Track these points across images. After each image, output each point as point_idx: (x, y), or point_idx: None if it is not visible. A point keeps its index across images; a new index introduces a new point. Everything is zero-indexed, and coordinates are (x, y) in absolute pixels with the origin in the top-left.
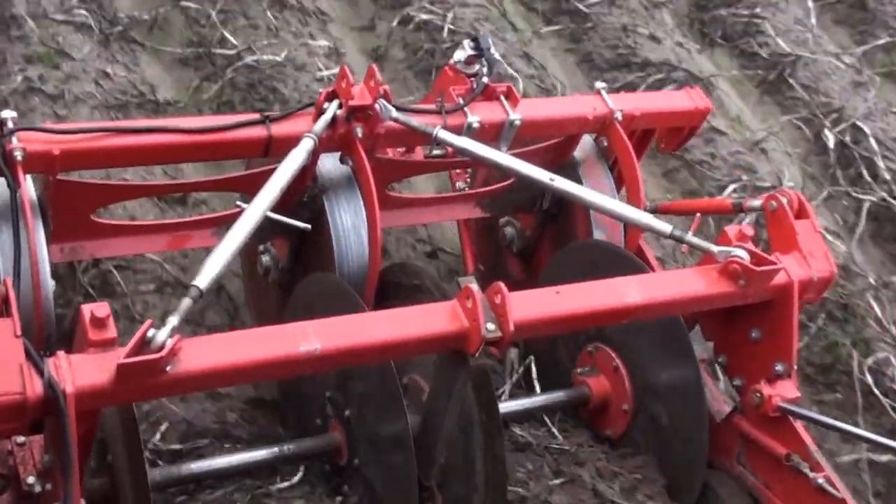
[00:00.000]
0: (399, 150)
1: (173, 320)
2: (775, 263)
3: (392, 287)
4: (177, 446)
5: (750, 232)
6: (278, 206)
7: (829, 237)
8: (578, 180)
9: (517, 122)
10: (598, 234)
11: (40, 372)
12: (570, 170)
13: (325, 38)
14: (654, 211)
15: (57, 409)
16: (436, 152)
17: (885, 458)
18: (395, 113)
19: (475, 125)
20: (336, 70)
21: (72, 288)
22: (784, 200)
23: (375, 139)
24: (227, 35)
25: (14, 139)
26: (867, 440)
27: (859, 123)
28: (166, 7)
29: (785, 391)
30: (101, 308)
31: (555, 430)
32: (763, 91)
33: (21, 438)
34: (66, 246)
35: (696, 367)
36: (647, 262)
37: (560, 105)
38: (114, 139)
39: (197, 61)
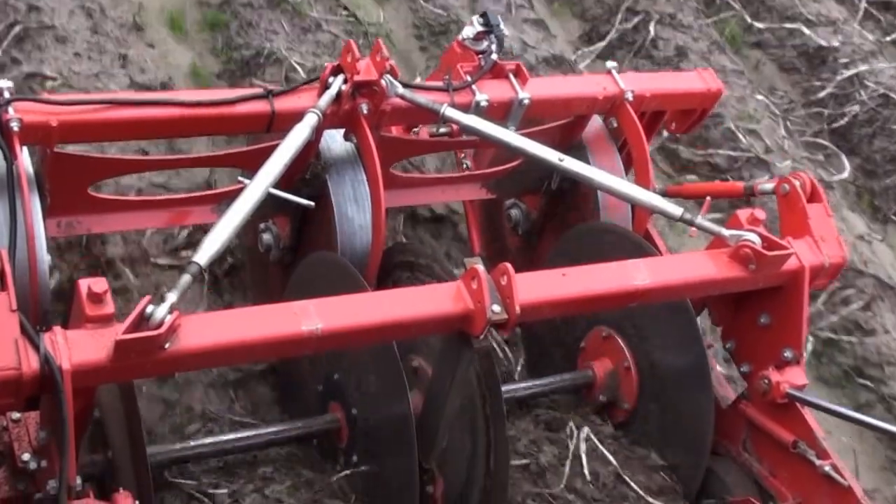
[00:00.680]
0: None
1: (172, 297)
2: (787, 248)
3: (395, 267)
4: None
5: (762, 215)
6: (281, 183)
7: None
8: (586, 162)
9: (526, 101)
10: (605, 217)
11: (36, 347)
12: (578, 151)
13: None
14: (664, 194)
15: (53, 385)
16: (442, 131)
17: None
18: (401, 89)
19: (483, 103)
20: None
21: None
22: (797, 184)
23: (381, 116)
24: None
25: (10, 109)
26: (876, 428)
27: None
28: None
29: (793, 378)
30: (99, 283)
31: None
32: None
33: (16, 415)
34: (62, 220)
35: (703, 352)
36: (655, 246)
37: (570, 84)
38: (113, 111)
39: None
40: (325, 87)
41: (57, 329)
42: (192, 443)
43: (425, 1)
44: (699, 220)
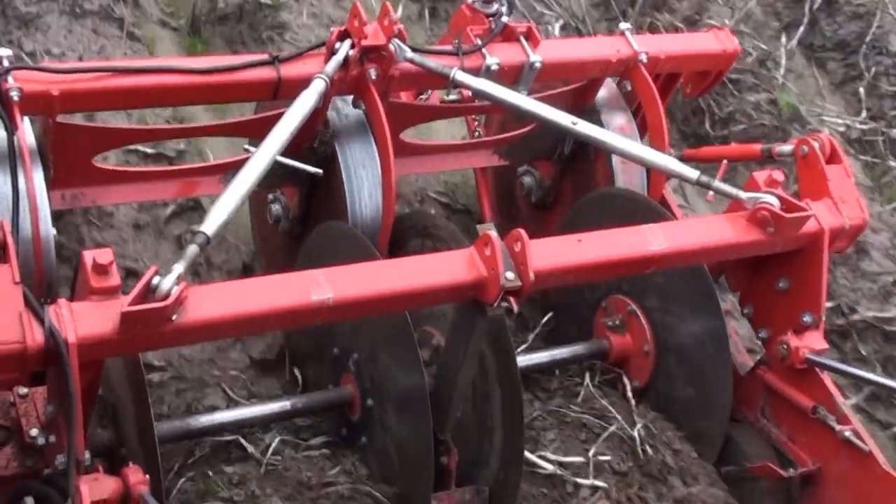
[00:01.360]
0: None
1: (179, 267)
2: (805, 210)
3: (407, 236)
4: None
5: (780, 177)
6: (288, 152)
7: None
8: (600, 126)
9: (538, 65)
10: (620, 183)
11: (41, 320)
12: (591, 115)
13: None
14: (680, 158)
15: (59, 358)
16: (452, 97)
17: None
18: (410, 53)
19: (494, 67)
20: None
21: None
22: (816, 145)
23: (389, 81)
24: None
25: (10, 78)
26: None
27: None
28: None
29: (812, 342)
30: (104, 254)
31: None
32: None
33: (23, 390)
34: (66, 192)
35: (721, 319)
36: (671, 211)
37: (582, 47)
38: (116, 79)
39: None
40: (332, 52)
41: (62, 301)
42: (202, 417)
43: None
44: (716, 183)
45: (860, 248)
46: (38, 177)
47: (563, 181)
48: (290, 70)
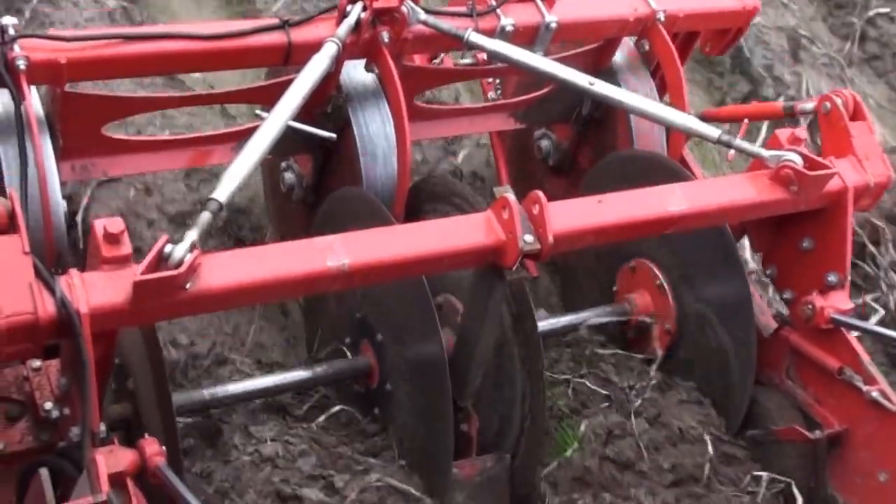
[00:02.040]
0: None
1: (192, 234)
2: (829, 167)
3: (423, 201)
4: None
5: (803, 135)
6: (300, 118)
7: None
8: (618, 87)
9: (553, 25)
10: (638, 145)
11: (52, 291)
12: (609, 76)
13: None
14: (700, 118)
15: (71, 330)
16: (466, 60)
17: None
18: (423, 15)
19: (509, 28)
20: None
21: None
22: (839, 101)
23: (402, 44)
24: None
25: (16, 47)
26: None
27: None
28: None
29: (838, 302)
30: (115, 223)
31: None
32: None
33: (37, 363)
34: (77, 163)
35: (744, 280)
36: (691, 172)
37: (599, 6)
38: (124, 47)
39: None
40: (344, 15)
41: (73, 272)
42: (221, 387)
43: None
44: (737, 141)
45: None
46: (47, 147)
47: (581, 144)
48: (300, 34)
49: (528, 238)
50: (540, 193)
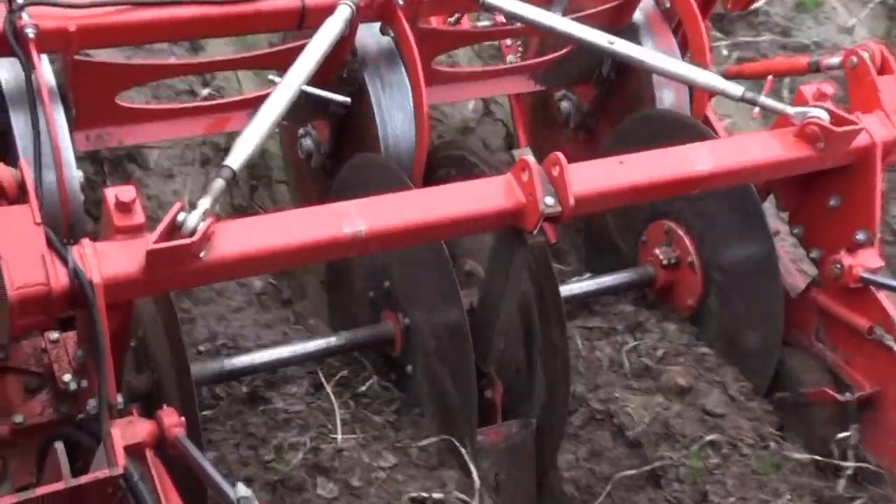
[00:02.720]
0: None
1: (205, 202)
2: (856, 123)
3: (441, 165)
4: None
5: (829, 90)
6: (316, 83)
7: None
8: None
9: None
10: (662, 103)
11: (64, 261)
12: (630, 35)
13: None
14: (722, 75)
15: (85, 301)
16: (484, 23)
17: None
18: None
19: None
20: None
21: None
22: (865, 55)
23: (418, 6)
24: None
25: (24, 15)
26: None
27: None
28: None
29: (867, 260)
30: (126, 192)
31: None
32: None
33: (54, 335)
34: (91, 133)
35: (770, 240)
36: (715, 131)
37: None
38: (135, 13)
39: None
40: None
41: (85, 241)
42: (242, 357)
43: None
44: (762, 98)
45: None
46: (60, 116)
47: (602, 104)
48: None
49: (549, 200)
50: (560, 155)
